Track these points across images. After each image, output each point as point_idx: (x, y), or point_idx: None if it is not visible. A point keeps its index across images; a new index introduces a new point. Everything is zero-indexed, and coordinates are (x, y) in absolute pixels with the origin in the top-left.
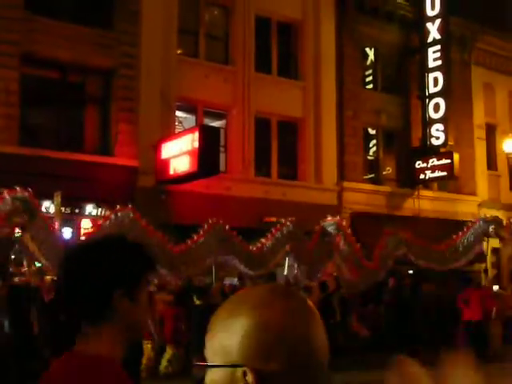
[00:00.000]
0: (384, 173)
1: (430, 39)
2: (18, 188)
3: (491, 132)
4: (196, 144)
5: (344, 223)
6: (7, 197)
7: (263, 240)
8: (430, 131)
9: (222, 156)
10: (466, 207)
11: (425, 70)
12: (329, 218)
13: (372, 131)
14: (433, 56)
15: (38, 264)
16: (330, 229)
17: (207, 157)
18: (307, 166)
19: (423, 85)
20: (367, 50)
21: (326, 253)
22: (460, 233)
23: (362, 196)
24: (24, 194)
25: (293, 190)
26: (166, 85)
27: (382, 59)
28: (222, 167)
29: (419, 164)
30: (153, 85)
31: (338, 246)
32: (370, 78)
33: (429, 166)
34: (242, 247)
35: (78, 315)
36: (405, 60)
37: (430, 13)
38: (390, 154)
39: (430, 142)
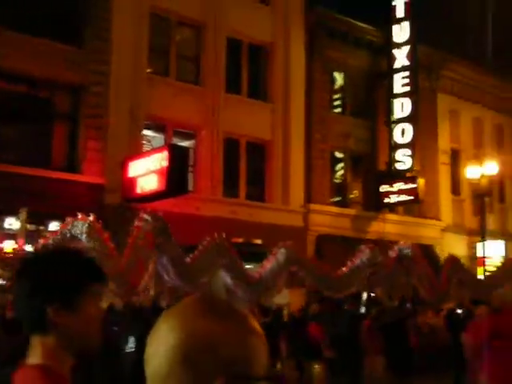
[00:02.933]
0: (350, 196)
1: (397, 65)
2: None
3: (456, 158)
4: (164, 163)
5: (417, 247)
6: (147, 217)
7: (349, 264)
8: (395, 156)
9: (191, 176)
10: (430, 231)
11: (392, 95)
12: (402, 243)
13: (339, 154)
14: (400, 82)
15: None
16: (406, 252)
17: (176, 176)
18: (274, 187)
19: (390, 110)
20: (336, 74)
21: (402, 275)
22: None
23: (329, 218)
24: (159, 215)
25: (260, 211)
26: (136, 103)
27: (350, 84)
28: (190, 187)
29: (385, 188)
30: (122, 103)
31: (415, 269)
32: (339, 102)
33: (394, 190)
34: (321, 270)
35: (23, 328)
36: (373, 85)
37: (397, 39)
38: (357, 177)
39: (396, 166)
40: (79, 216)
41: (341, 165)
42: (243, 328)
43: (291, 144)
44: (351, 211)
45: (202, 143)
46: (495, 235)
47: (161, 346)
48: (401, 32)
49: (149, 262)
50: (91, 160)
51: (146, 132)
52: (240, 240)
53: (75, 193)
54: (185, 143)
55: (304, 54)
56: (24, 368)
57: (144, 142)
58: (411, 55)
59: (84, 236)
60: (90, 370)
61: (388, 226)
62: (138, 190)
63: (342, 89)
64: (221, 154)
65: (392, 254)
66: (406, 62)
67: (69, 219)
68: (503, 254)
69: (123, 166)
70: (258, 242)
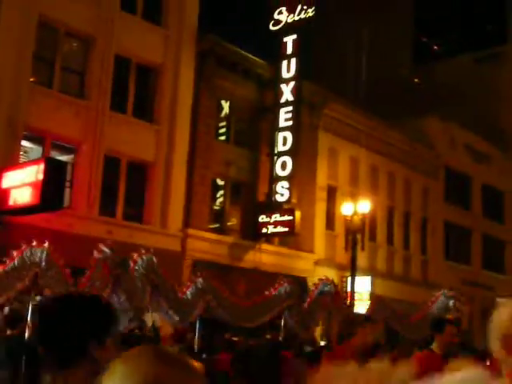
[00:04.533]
0: (229, 223)
1: (282, 100)
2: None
3: (332, 194)
4: (40, 176)
5: (336, 282)
6: (106, 249)
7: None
8: (275, 187)
9: (67, 191)
10: (304, 264)
11: (275, 128)
12: (324, 278)
13: (221, 182)
14: (284, 116)
15: None
16: (328, 288)
17: (51, 190)
18: (154, 209)
19: (273, 142)
20: (223, 102)
21: (320, 309)
22: (425, 306)
23: (206, 244)
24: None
25: (138, 232)
26: (15, 112)
27: (236, 113)
28: (65, 203)
29: (263, 218)
30: (0, 111)
31: (334, 303)
32: (224, 130)
33: (272, 221)
34: (233, 301)
35: (56, 361)
36: (258, 116)
37: (284, 75)
38: (236, 205)
39: (275, 197)
40: (34, 243)
41: (221, 192)
42: (188, 373)
43: (173, 167)
44: (229, 239)
45: (81, 159)
46: (364, 271)
47: None
48: (288, 68)
49: (104, 290)
50: None
51: (23, 143)
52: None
53: None
54: (64, 157)
55: (193, 79)
56: None
57: (21, 153)
58: (296, 91)
59: (43, 264)
60: None
61: (264, 256)
62: (11, 202)
63: (227, 117)
64: (100, 171)
65: (313, 288)
66: (291, 98)
67: (24, 246)
68: (370, 290)
69: None
70: None
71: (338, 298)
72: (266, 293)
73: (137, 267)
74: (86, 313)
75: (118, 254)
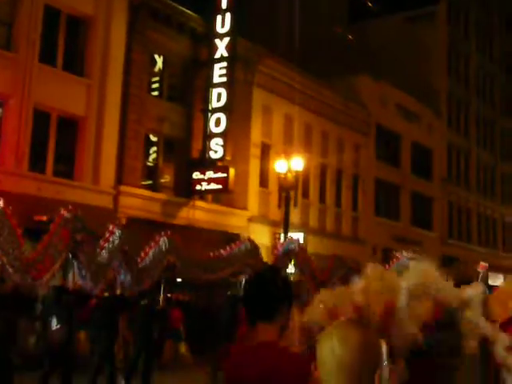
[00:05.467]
0: (162, 180)
1: (217, 55)
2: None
3: (266, 151)
4: None
5: (302, 241)
6: (67, 215)
7: (222, 251)
8: (209, 144)
9: None
10: (237, 221)
11: (210, 84)
12: (289, 237)
13: (154, 138)
14: (218, 72)
15: None
16: (292, 246)
17: None
18: (85, 166)
19: (207, 98)
20: (156, 56)
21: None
22: (386, 266)
23: (139, 201)
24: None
25: (68, 189)
26: None
27: (169, 68)
28: None
29: (197, 175)
30: None
31: (299, 260)
32: (157, 85)
33: (206, 177)
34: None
35: (256, 317)
36: (192, 72)
37: (219, 30)
38: (170, 162)
39: (209, 154)
40: None
41: (154, 148)
42: (378, 340)
43: (105, 122)
44: (162, 196)
45: (9, 113)
46: (297, 228)
47: (330, 353)
48: (223, 23)
49: (58, 258)
50: None
51: None
52: (44, 218)
53: None
54: None
55: (125, 32)
56: (264, 343)
57: None
58: (230, 47)
59: None
60: None
61: (197, 213)
62: None
63: (160, 72)
64: (29, 126)
65: (279, 246)
66: (225, 53)
67: None
68: None
69: None
70: None
71: (303, 254)
72: (228, 248)
73: (112, 239)
74: (279, 283)
75: (79, 218)
